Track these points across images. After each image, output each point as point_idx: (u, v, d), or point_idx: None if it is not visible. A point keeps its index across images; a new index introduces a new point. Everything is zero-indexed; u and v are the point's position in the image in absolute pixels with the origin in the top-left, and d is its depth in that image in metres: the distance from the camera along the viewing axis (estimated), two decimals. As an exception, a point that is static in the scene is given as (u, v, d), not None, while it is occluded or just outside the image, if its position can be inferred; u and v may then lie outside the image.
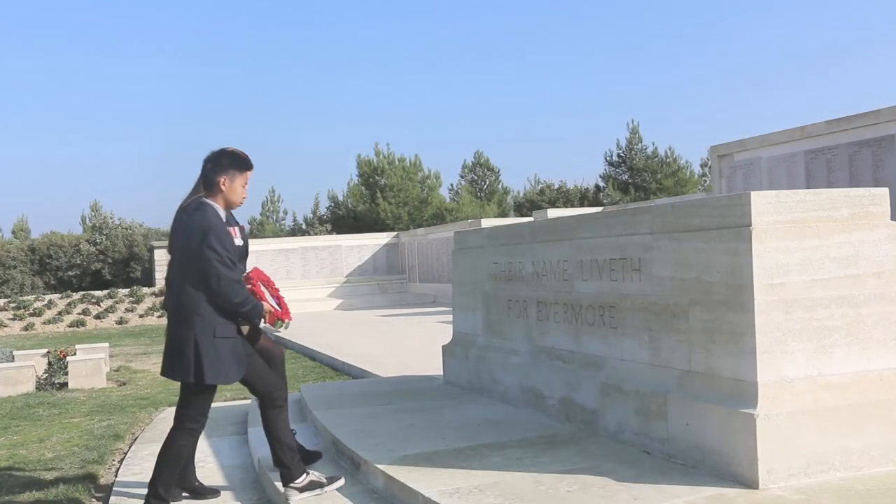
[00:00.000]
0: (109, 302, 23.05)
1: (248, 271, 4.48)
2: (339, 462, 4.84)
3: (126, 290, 23.87)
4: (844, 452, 3.56)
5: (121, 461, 5.98)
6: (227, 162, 4.20)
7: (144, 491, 5.02)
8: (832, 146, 12.43)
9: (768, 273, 3.57)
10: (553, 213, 20.39)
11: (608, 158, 37.85)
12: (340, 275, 25.50)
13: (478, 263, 6.33)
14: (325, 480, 4.25)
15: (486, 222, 19.32)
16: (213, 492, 4.77)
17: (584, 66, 61.19)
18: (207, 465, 5.64)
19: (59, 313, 22.24)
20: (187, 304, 4.03)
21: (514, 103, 60.96)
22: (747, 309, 3.57)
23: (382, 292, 25.30)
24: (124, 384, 10.20)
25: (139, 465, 5.75)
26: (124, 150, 62.14)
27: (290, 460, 4.23)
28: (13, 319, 21.94)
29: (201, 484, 4.80)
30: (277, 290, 4.65)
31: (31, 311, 22.21)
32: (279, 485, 4.36)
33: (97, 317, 22.42)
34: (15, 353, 10.82)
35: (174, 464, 4.19)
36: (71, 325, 21.80)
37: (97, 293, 23.63)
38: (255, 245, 23.44)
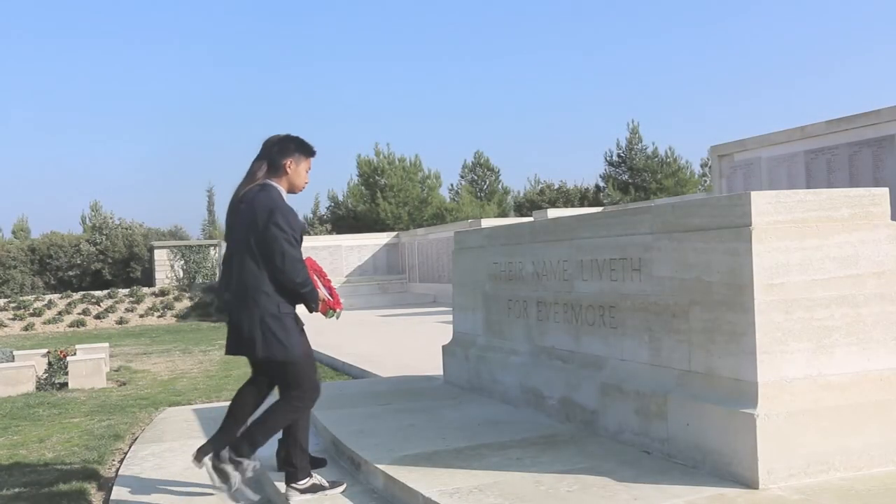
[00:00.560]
0: (109, 302, 23.05)
1: None
2: (339, 462, 4.84)
3: (126, 290, 23.87)
4: (844, 452, 3.56)
5: (121, 461, 5.98)
6: (293, 146, 4.30)
7: (144, 491, 5.04)
8: (832, 146, 12.43)
9: (768, 273, 3.57)
10: (553, 213, 20.39)
11: (608, 158, 37.86)
12: (340, 275, 25.49)
13: (478, 263, 6.33)
14: (327, 484, 4.25)
15: (486, 222, 19.32)
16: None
17: (584, 66, 61.21)
18: (207, 464, 5.63)
19: (59, 313, 22.24)
20: (251, 283, 4.08)
21: (514, 103, 61.00)
22: (747, 309, 3.57)
23: (382, 292, 25.29)
24: (124, 384, 10.20)
25: (139, 465, 5.74)
26: (124, 150, 62.17)
27: (300, 461, 4.24)
28: (13, 319, 21.94)
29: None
30: (329, 280, 4.70)
31: (31, 311, 22.21)
32: (280, 485, 4.36)
33: (97, 317, 22.42)
34: (15, 353, 10.81)
35: (270, 431, 4.22)
36: (71, 325, 21.80)
37: (97, 293, 23.63)
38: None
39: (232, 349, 4.26)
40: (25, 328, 21.54)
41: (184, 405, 8.39)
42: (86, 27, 59.79)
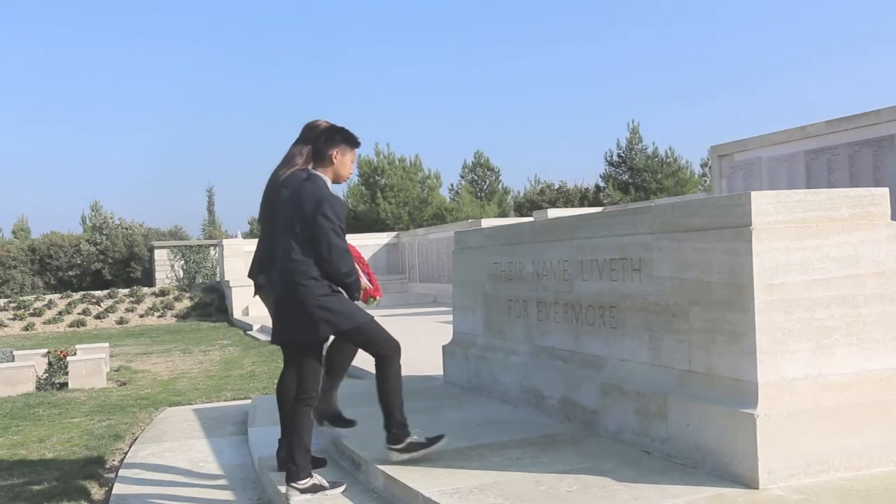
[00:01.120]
0: (109, 302, 23.04)
1: None
2: (339, 462, 4.84)
3: (126, 290, 23.85)
4: (845, 452, 3.56)
5: (121, 461, 5.98)
6: (339, 137, 4.37)
7: (145, 491, 5.03)
8: (832, 146, 12.42)
9: (768, 273, 3.57)
10: (553, 213, 20.36)
11: (608, 158, 37.86)
12: (340, 275, 25.41)
13: (478, 263, 6.33)
14: (327, 485, 4.24)
15: (486, 222, 19.29)
16: (351, 422, 4.89)
17: (584, 66, 61.21)
18: (208, 464, 5.64)
19: (60, 313, 22.22)
20: (299, 270, 4.15)
21: (514, 103, 61.00)
22: (747, 309, 3.57)
23: (383, 292, 25.23)
24: (124, 384, 10.20)
25: (139, 465, 5.74)
26: (125, 150, 62.17)
27: (302, 460, 4.23)
28: (13, 319, 21.93)
29: (340, 413, 4.97)
30: (368, 266, 4.75)
31: (32, 311, 22.19)
32: (281, 487, 4.36)
33: (97, 317, 22.41)
34: (15, 353, 10.80)
35: (398, 392, 4.31)
36: (71, 325, 21.79)
37: (97, 293, 23.61)
38: (255, 245, 23.39)
39: (286, 338, 4.29)
40: (25, 328, 21.53)
41: (184, 405, 8.39)
42: (86, 27, 59.82)
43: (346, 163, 4.39)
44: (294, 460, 4.23)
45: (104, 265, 29.26)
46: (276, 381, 9.47)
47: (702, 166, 36.30)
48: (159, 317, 22.67)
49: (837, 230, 3.69)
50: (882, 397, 3.64)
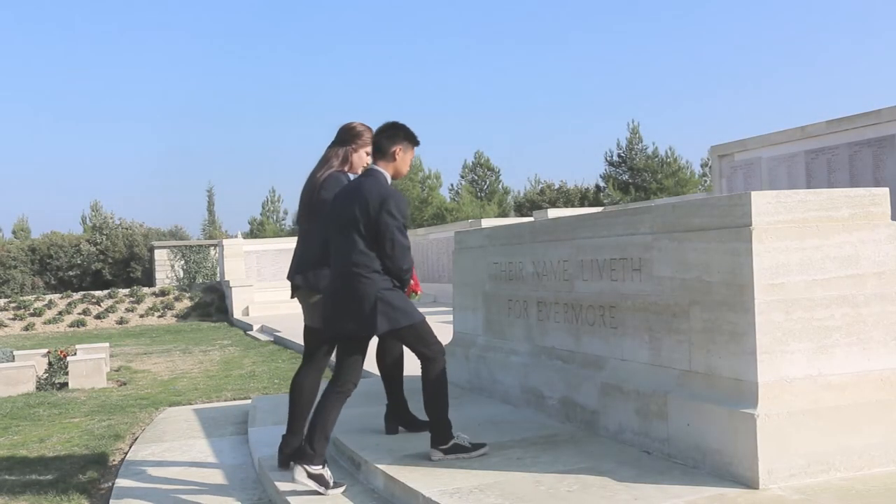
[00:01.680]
0: (110, 302, 23.03)
1: None
2: (339, 462, 4.84)
3: (126, 290, 23.84)
4: (845, 452, 3.56)
5: (121, 461, 5.98)
6: (402, 134, 4.43)
7: (145, 491, 5.03)
8: (832, 146, 12.42)
9: (769, 273, 3.57)
10: (553, 213, 20.36)
11: (608, 158, 37.89)
12: (341, 275, 25.41)
13: (478, 263, 6.33)
14: (331, 484, 4.23)
15: (487, 222, 19.30)
16: (425, 424, 4.89)
17: (584, 66, 61.22)
18: (208, 464, 5.64)
19: (60, 313, 22.22)
20: (363, 263, 4.21)
21: (514, 103, 61.01)
22: (748, 309, 3.57)
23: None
24: (125, 384, 10.20)
25: (139, 465, 5.74)
26: (125, 150, 62.19)
27: (320, 447, 4.21)
28: (13, 319, 21.93)
29: (414, 416, 5.01)
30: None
31: (32, 311, 22.19)
32: (280, 485, 4.36)
33: (97, 317, 22.41)
34: (15, 352, 10.81)
35: (444, 393, 4.34)
36: (71, 325, 21.79)
37: (97, 293, 23.61)
38: (255, 245, 23.43)
39: (341, 330, 4.30)
40: (26, 328, 21.52)
41: (184, 405, 8.39)
42: (86, 26, 59.83)
43: (406, 160, 4.46)
44: (312, 445, 4.20)
45: (104, 265, 29.26)
46: (276, 380, 9.54)
47: (702, 166, 36.34)
48: (159, 317, 22.66)
49: (837, 230, 3.69)
50: (882, 397, 3.64)
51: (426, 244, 24.65)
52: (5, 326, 21.58)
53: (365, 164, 4.73)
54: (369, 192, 4.23)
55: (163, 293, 23.69)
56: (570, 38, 61.46)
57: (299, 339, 4.95)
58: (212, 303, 22.94)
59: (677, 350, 4.03)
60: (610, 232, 4.61)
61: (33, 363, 10.13)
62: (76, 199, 75.56)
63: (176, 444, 6.34)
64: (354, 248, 4.22)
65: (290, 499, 4.23)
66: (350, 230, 4.24)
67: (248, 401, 7.87)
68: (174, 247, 27.53)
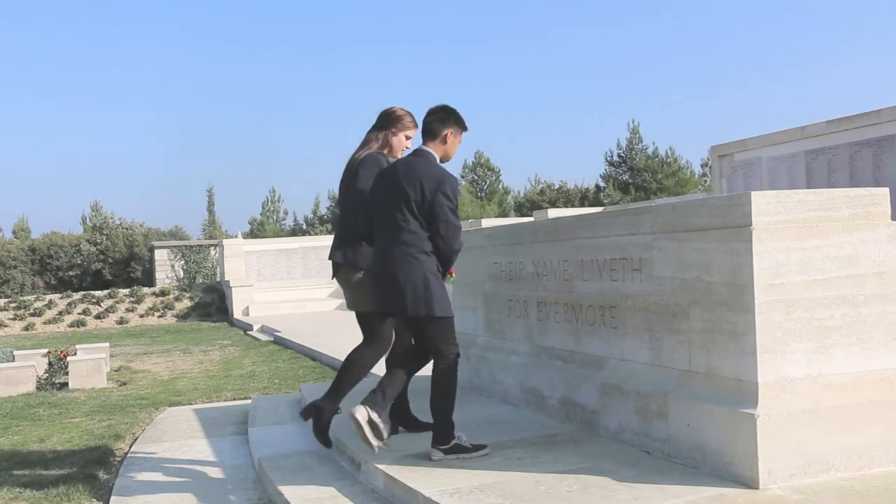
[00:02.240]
0: (110, 302, 23.03)
1: None
2: (339, 461, 4.84)
3: (126, 290, 23.84)
4: (845, 452, 3.56)
5: (121, 461, 5.98)
6: (453, 119, 4.48)
7: (145, 491, 5.03)
8: (832, 146, 12.41)
9: (769, 273, 3.57)
10: (553, 213, 20.36)
11: (608, 158, 37.87)
12: (341, 275, 25.42)
13: (478, 263, 6.33)
14: (385, 436, 4.28)
15: (487, 222, 19.27)
16: (428, 426, 4.89)
17: (584, 66, 61.23)
18: (208, 464, 5.64)
19: (60, 313, 22.22)
20: (412, 243, 4.23)
21: (514, 103, 61.01)
22: (748, 309, 3.58)
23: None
24: (125, 384, 10.20)
25: (139, 465, 5.75)
26: (125, 150, 62.20)
27: (384, 404, 4.30)
28: (13, 319, 21.92)
29: (415, 416, 5.00)
30: None
31: (32, 311, 22.18)
32: (280, 486, 4.36)
33: (97, 317, 22.40)
34: (15, 352, 10.80)
35: (452, 394, 4.35)
36: (71, 325, 21.78)
37: (97, 293, 23.60)
38: (255, 245, 23.43)
39: (389, 306, 4.34)
40: (26, 328, 21.52)
41: (184, 405, 8.39)
42: (86, 26, 59.83)
43: (455, 144, 4.51)
44: (384, 392, 4.32)
45: (104, 265, 29.25)
46: (276, 380, 9.57)
47: (702, 166, 36.33)
48: (159, 317, 22.66)
49: (837, 230, 3.69)
50: (882, 397, 3.64)
51: (426, 244, 24.62)
52: (5, 326, 21.57)
53: (405, 148, 4.77)
54: (423, 172, 4.25)
55: (163, 293, 23.68)
56: (571, 37, 61.49)
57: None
58: (212, 303, 22.93)
59: (677, 350, 4.03)
60: (610, 232, 4.62)
61: (33, 363, 10.13)
62: (76, 199, 75.62)
63: (176, 444, 6.35)
64: (405, 228, 4.23)
65: (290, 499, 4.23)
66: (400, 209, 4.25)
67: (248, 401, 7.88)
68: (174, 247, 27.52)
